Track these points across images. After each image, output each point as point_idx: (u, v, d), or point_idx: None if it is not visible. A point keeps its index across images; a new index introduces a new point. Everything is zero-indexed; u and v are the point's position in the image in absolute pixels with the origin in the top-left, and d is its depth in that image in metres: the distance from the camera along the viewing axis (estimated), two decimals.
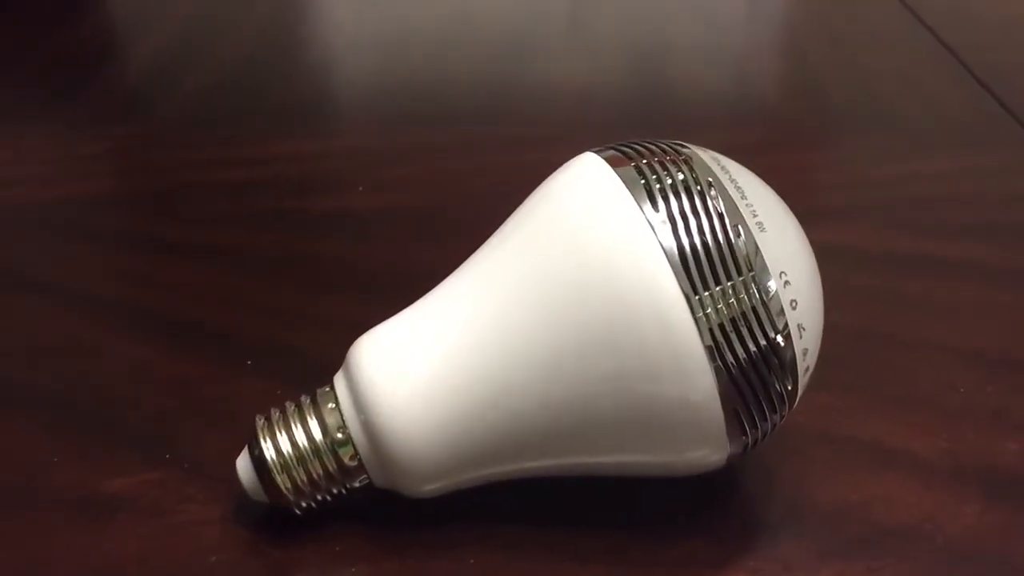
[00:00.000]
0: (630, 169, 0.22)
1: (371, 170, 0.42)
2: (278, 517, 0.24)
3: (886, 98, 0.50)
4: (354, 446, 0.23)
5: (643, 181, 0.22)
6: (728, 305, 0.21)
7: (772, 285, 0.22)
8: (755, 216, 0.22)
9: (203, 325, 0.32)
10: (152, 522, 0.24)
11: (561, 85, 0.51)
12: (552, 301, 0.22)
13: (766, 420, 0.22)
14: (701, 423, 0.22)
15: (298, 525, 0.24)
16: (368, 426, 0.23)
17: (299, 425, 0.23)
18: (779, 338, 0.22)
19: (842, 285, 0.34)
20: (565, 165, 0.24)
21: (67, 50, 0.53)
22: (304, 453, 0.23)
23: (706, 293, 0.21)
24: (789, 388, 0.22)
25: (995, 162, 0.44)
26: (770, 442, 0.24)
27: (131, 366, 0.30)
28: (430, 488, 0.23)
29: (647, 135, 0.45)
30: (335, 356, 0.24)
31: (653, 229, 0.21)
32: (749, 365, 0.21)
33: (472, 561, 0.24)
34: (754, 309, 0.21)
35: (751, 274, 0.21)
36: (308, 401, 0.24)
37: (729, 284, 0.21)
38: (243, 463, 0.24)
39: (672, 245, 0.21)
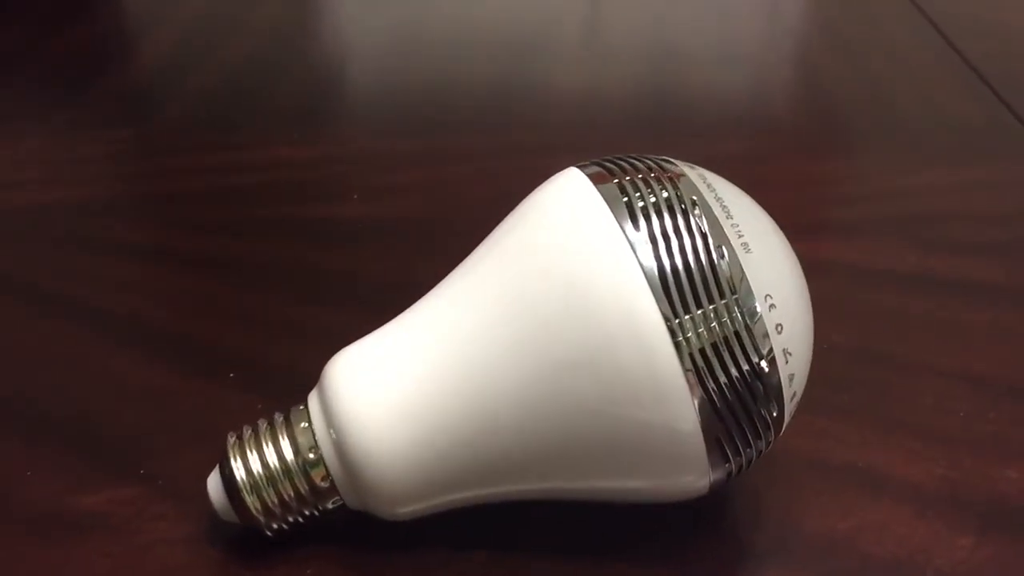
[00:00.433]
0: (612, 186, 0.22)
1: (369, 177, 0.41)
2: (250, 538, 0.23)
3: (898, 108, 0.49)
4: (326, 467, 0.23)
5: (625, 199, 0.21)
6: (710, 329, 0.20)
7: (756, 308, 0.21)
8: (740, 237, 0.21)
9: (188, 336, 0.31)
10: (122, 541, 0.24)
11: (568, 91, 0.50)
12: (528, 322, 0.21)
13: (750, 447, 0.22)
14: (681, 450, 0.21)
15: (270, 547, 0.23)
16: (340, 446, 0.22)
17: (270, 444, 0.23)
18: (763, 363, 0.21)
19: (842, 302, 0.34)
20: (548, 180, 0.23)
21: (70, 51, 0.53)
22: (275, 473, 0.23)
23: (687, 316, 0.20)
24: (775, 415, 0.22)
25: (1008, 176, 0.43)
26: (759, 467, 0.23)
27: (112, 377, 0.29)
28: (405, 511, 0.23)
29: (653, 143, 0.45)
30: (320, 371, 0.24)
31: (633, 249, 0.21)
32: (731, 391, 0.21)
33: None
34: (737, 333, 0.21)
35: (734, 297, 0.21)
36: (281, 419, 0.23)
37: (711, 307, 0.20)
38: (214, 482, 0.23)
39: (652, 266, 0.20)
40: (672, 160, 0.23)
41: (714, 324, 0.20)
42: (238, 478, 0.23)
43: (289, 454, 0.23)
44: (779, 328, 0.21)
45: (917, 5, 0.62)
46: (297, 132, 0.45)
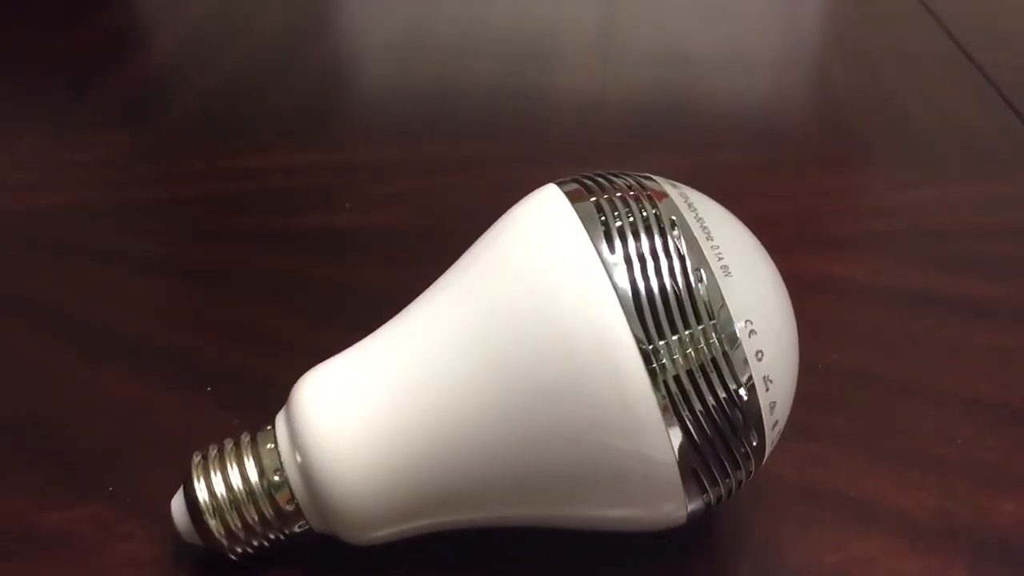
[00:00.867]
0: (589, 205, 0.21)
1: (363, 186, 0.40)
2: (217, 561, 0.23)
3: (910, 119, 0.48)
4: (291, 490, 0.22)
5: (602, 218, 0.21)
6: (686, 355, 0.20)
7: (736, 334, 0.20)
8: (720, 259, 0.20)
9: (167, 347, 0.31)
10: (86, 561, 0.23)
11: (573, 98, 0.50)
12: (499, 344, 0.20)
13: (729, 477, 0.21)
14: (656, 480, 0.20)
15: (237, 570, 0.23)
16: (305, 469, 0.22)
17: (235, 465, 0.22)
18: (742, 391, 0.20)
19: (843, 320, 0.33)
20: (526, 197, 0.23)
21: (71, 51, 0.53)
22: (239, 496, 0.22)
23: (662, 342, 0.19)
24: (755, 444, 0.21)
25: (1020, 190, 0.41)
26: (744, 492, 0.22)
27: (86, 389, 0.29)
28: (372, 536, 0.22)
29: (655, 153, 0.45)
30: None
31: (607, 270, 0.20)
32: (708, 420, 0.20)
33: None
34: (714, 360, 0.20)
35: (712, 322, 0.20)
36: (248, 439, 0.23)
37: (687, 333, 0.20)
38: (178, 503, 0.23)
39: (627, 288, 0.20)
40: (653, 177, 0.22)
41: (690, 350, 0.20)
42: (201, 500, 0.22)
43: (254, 476, 0.22)
44: (759, 355, 0.20)
45: (933, 13, 0.60)
46: (295, 138, 0.44)
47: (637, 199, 0.21)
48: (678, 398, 0.20)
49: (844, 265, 0.35)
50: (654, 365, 0.19)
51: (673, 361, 0.20)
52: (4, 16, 0.57)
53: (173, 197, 0.39)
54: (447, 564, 0.23)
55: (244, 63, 0.52)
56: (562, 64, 0.54)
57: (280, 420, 0.23)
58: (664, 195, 0.21)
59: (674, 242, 0.20)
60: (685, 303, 0.20)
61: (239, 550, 0.22)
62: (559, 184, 0.22)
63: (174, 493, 0.23)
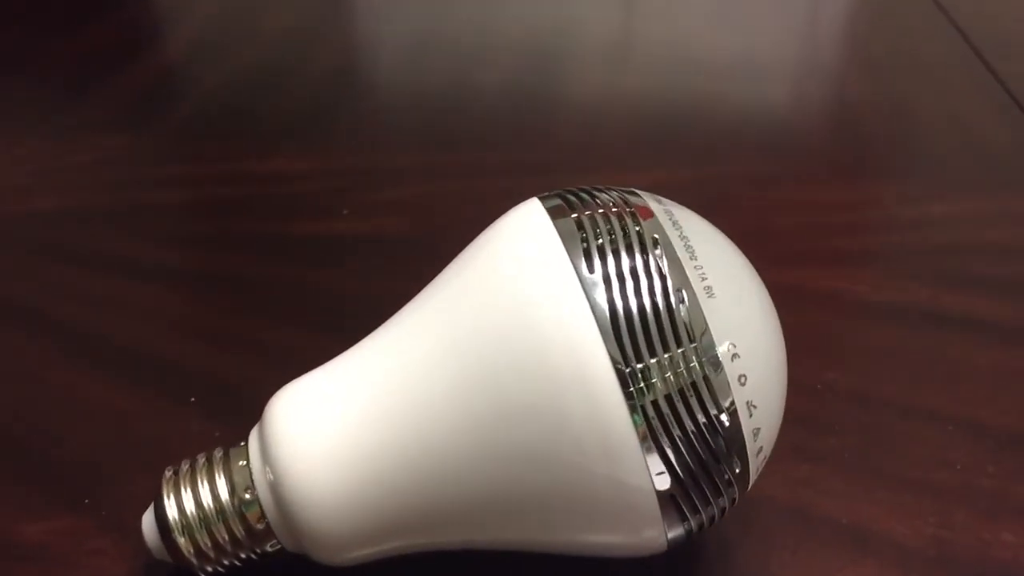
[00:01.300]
0: (570, 221, 0.20)
1: (362, 192, 0.40)
2: None
3: (923, 130, 0.47)
4: (262, 508, 0.21)
5: (582, 235, 0.20)
6: (665, 379, 0.19)
7: (718, 358, 0.19)
8: (704, 279, 0.20)
9: (155, 355, 0.30)
10: (58, 575, 0.23)
11: (582, 105, 0.49)
12: (473, 363, 0.20)
13: (710, 505, 0.20)
14: (633, 506, 0.20)
15: None
16: (276, 488, 0.21)
17: (205, 482, 0.22)
18: (724, 417, 0.19)
19: (842, 338, 0.32)
20: (508, 212, 0.22)
21: (75, 53, 0.52)
22: (209, 514, 0.21)
23: (640, 365, 0.19)
24: (738, 471, 0.20)
25: None
26: (734, 515, 0.22)
27: (69, 397, 0.29)
28: (344, 557, 0.22)
29: (660, 163, 0.44)
30: None
31: (585, 290, 0.19)
32: (687, 446, 0.19)
33: None
34: (694, 384, 0.19)
35: (693, 345, 0.19)
36: (220, 455, 0.22)
37: (667, 356, 0.19)
38: (148, 520, 0.22)
39: (605, 309, 0.19)
40: (639, 192, 0.22)
41: (669, 374, 0.19)
42: (170, 517, 0.22)
43: (224, 494, 0.22)
44: (743, 379, 0.20)
45: (953, 22, 0.59)
46: (297, 143, 0.44)
47: (620, 216, 0.20)
48: (655, 423, 0.19)
49: (849, 280, 0.35)
50: (631, 388, 0.19)
51: (651, 384, 0.19)
52: (7, 16, 0.57)
53: (170, 201, 0.39)
54: None
55: (250, 66, 0.52)
56: (572, 70, 0.53)
57: (253, 436, 0.22)
58: (648, 212, 0.21)
59: (656, 261, 0.20)
60: (665, 325, 0.19)
61: (209, 569, 0.22)
62: (542, 199, 0.22)
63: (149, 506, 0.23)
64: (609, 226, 0.20)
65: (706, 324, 0.19)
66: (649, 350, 0.19)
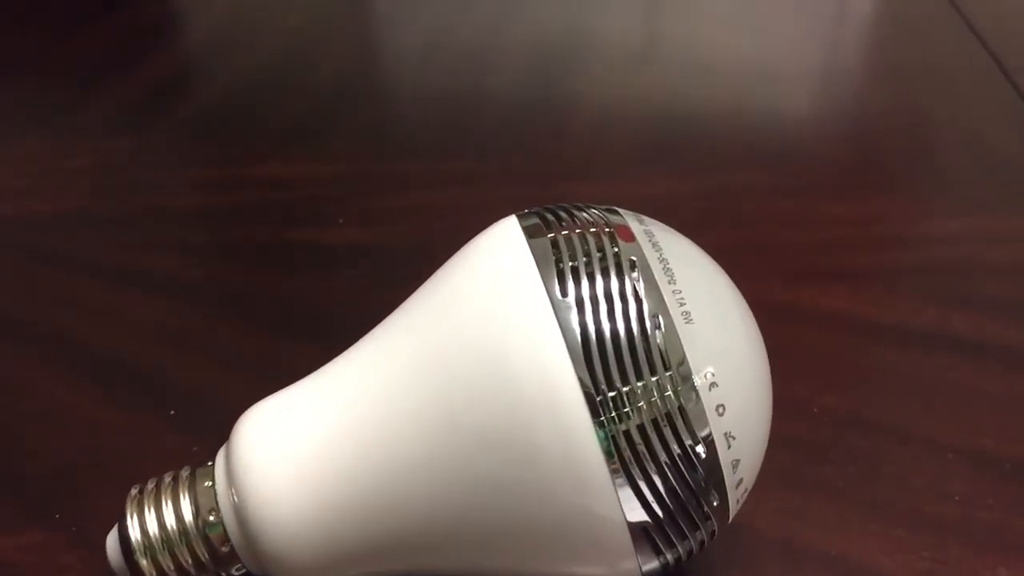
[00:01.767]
0: (545, 241, 0.20)
1: (359, 200, 0.39)
2: None
3: (940, 143, 0.46)
4: (226, 531, 0.21)
5: (556, 256, 0.19)
6: (637, 408, 0.18)
7: (694, 387, 0.18)
8: (682, 305, 0.19)
9: (137, 365, 0.30)
10: None
11: (588, 114, 0.48)
12: (440, 388, 0.19)
13: (687, 539, 0.19)
14: (604, 538, 0.19)
15: None
16: (240, 510, 0.20)
17: (170, 503, 0.21)
18: (699, 448, 0.19)
19: (842, 359, 0.31)
20: (485, 231, 0.22)
21: (79, 56, 0.52)
22: (172, 536, 0.21)
23: (611, 393, 0.18)
24: (716, 504, 0.19)
25: None
26: (718, 546, 0.21)
27: (49, 406, 0.28)
28: None
29: (667, 173, 0.43)
30: None
31: (556, 314, 0.19)
32: (661, 478, 0.18)
33: None
34: (668, 415, 0.18)
35: (668, 374, 0.18)
36: (187, 474, 0.22)
37: (640, 384, 0.18)
38: (112, 540, 0.22)
39: (576, 334, 0.18)
40: (619, 211, 0.21)
41: (642, 403, 0.18)
42: (133, 539, 0.21)
43: (188, 515, 0.21)
44: (721, 409, 0.19)
45: (977, 34, 0.58)
46: (296, 149, 0.43)
47: (597, 236, 0.20)
48: (627, 453, 0.18)
49: (852, 299, 0.34)
50: (602, 417, 0.18)
51: (623, 413, 0.18)
52: (12, 16, 0.57)
53: (166, 207, 0.39)
54: None
55: (255, 69, 0.52)
56: (583, 77, 0.52)
57: (220, 457, 0.21)
58: (628, 232, 0.20)
59: (632, 284, 0.19)
60: (639, 351, 0.18)
61: None
62: (520, 216, 0.21)
63: None
64: (586, 247, 0.19)
65: (683, 352, 0.19)
66: (622, 377, 0.18)
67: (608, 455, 0.18)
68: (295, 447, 0.20)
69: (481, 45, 0.56)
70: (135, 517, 0.21)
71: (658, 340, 0.18)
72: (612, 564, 0.19)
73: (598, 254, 0.19)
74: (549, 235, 0.20)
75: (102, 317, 0.32)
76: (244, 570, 0.21)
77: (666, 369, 0.18)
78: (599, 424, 0.18)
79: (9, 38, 0.54)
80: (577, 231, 0.20)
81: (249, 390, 0.23)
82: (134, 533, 0.21)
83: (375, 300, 0.33)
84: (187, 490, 0.21)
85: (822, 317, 0.33)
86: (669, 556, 0.20)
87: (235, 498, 0.20)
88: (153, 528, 0.21)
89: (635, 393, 0.18)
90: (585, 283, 0.19)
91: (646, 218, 0.21)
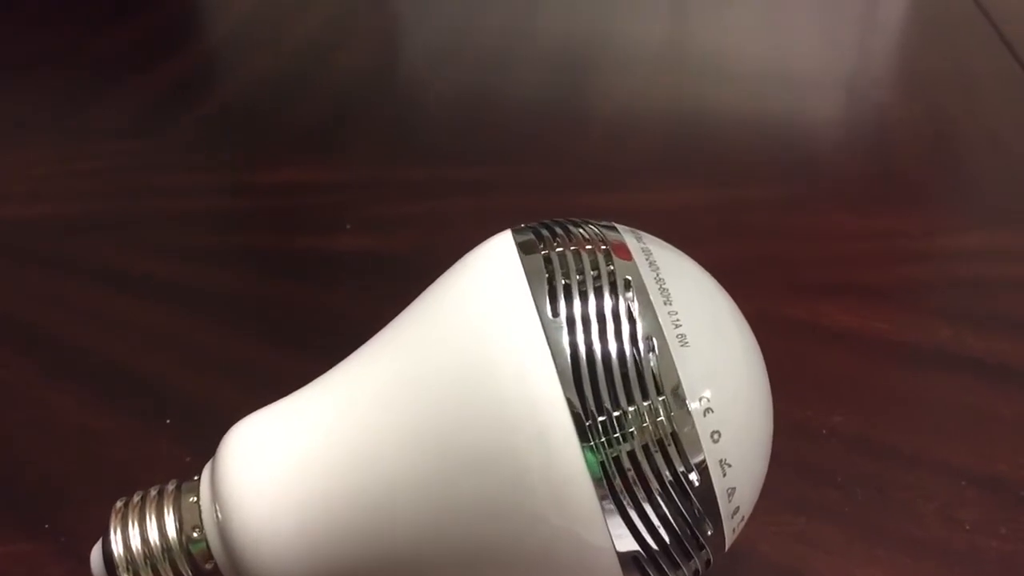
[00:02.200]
0: (538, 258, 0.19)
1: (367, 206, 0.39)
2: None
3: (964, 156, 0.45)
4: (209, 549, 0.20)
5: (548, 274, 0.19)
6: (628, 434, 0.18)
7: (688, 412, 0.18)
8: (678, 327, 0.18)
9: (134, 373, 0.30)
10: None
11: (603, 122, 0.47)
12: (427, 407, 0.19)
13: (679, 568, 0.19)
14: (592, 568, 0.18)
15: None
16: (224, 528, 0.20)
17: (154, 518, 0.21)
18: (692, 476, 0.18)
19: (853, 378, 0.30)
20: (479, 246, 0.21)
21: (94, 57, 0.52)
22: (155, 551, 0.20)
23: (601, 417, 0.17)
24: (710, 533, 0.19)
25: None
26: (718, 572, 0.20)
27: (44, 413, 0.28)
28: None
29: (679, 184, 0.42)
30: None
31: (546, 333, 0.18)
32: (652, 506, 0.18)
33: None
34: (660, 441, 0.18)
35: (661, 398, 0.18)
36: (172, 489, 0.21)
37: (632, 408, 0.18)
38: (96, 554, 0.21)
39: (566, 355, 0.18)
40: (617, 227, 0.20)
41: (633, 429, 0.18)
42: (116, 553, 0.21)
43: (172, 531, 0.21)
44: (716, 436, 0.18)
45: (1005, 41, 0.57)
46: (306, 154, 0.43)
47: (592, 253, 0.19)
48: (616, 480, 0.17)
49: (866, 316, 0.33)
50: (592, 442, 0.17)
51: (614, 439, 0.18)
52: (39, 14, 0.57)
53: (171, 211, 0.38)
54: None
55: (270, 74, 0.51)
56: (601, 83, 0.52)
57: (206, 472, 0.21)
58: (624, 249, 0.19)
59: (627, 304, 0.18)
60: (631, 374, 0.18)
61: None
62: (516, 231, 0.20)
63: None
64: (579, 264, 0.19)
65: (677, 376, 0.18)
66: (612, 401, 0.18)
67: (597, 481, 0.17)
68: (281, 465, 0.20)
69: (500, 50, 0.56)
70: (119, 531, 0.21)
71: (651, 363, 0.18)
72: None
73: (592, 272, 0.19)
74: (543, 251, 0.19)
75: (101, 322, 0.32)
76: None
77: (659, 393, 0.18)
78: (588, 449, 0.17)
79: (34, 35, 0.54)
80: (572, 248, 0.19)
81: (247, 401, 0.22)
82: (117, 548, 0.21)
83: (378, 311, 0.33)
84: (172, 505, 0.21)
85: (834, 334, 0.32)
86: None
87: (219, 515, 0.20)
88: (136, 543, 0.21)
89: (626, 418, 0.18)
90: (577, 302, 0.18)
91: (645, 235, 0.21)
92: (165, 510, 0.21)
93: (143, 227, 0.37)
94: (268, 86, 0.50)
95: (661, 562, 0.18)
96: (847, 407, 0.29)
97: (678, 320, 0.18)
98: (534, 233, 0.20)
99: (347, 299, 0.33)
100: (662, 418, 0.18)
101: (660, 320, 0.18)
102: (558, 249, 0.19)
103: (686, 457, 0.18)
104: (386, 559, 0.20)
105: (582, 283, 0.19)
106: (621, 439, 0.18)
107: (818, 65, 0.56)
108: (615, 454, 0.18)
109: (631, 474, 0.18)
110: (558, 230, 0.20)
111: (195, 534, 0.20)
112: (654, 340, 0.18)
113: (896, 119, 0.49)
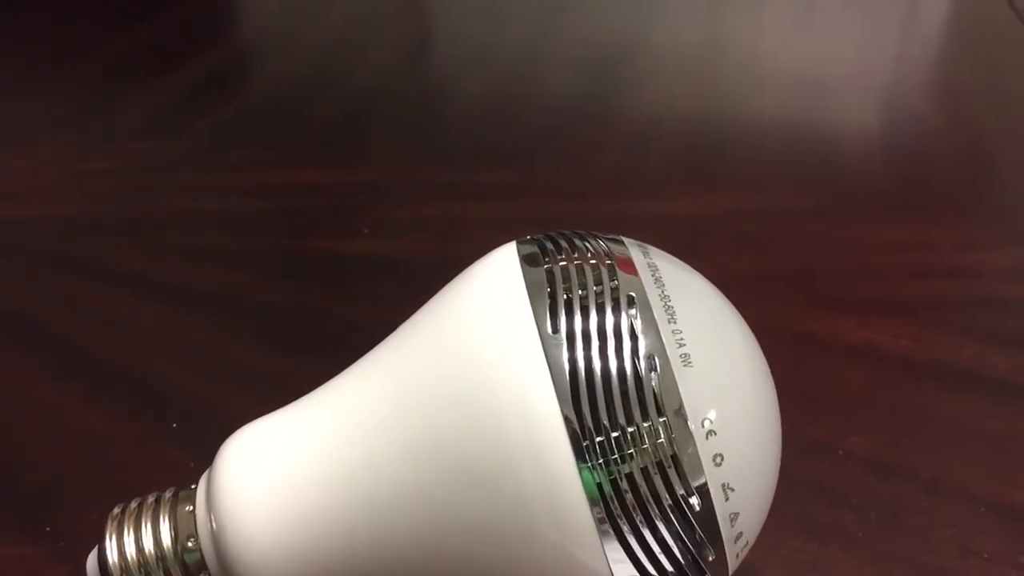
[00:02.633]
0: (540, 271, 0.19)
1: (385, 209, 0.39)
2: None
3: (996, 170, 0.44)
4: (203, 559, 0.20)
5: (549, 289, 0.18)
6: (626, 456, 0.17)
7: (690, 434, 0.17)
8: (681, 346, 0.18)
9: (141, 374, 0.29)
10: None
11: (627, 127, 0.47)
12: (424, 421, 0.18)
13: None
14: None
15: None
16: (218, 539, 0.20)
17: (149, 526, 0.21)
18: (693, 500, 0.17)
19: (872, 397, 0.29)
20: (484, 257, 0.21)
21: (117, 57, 0.52)
22: (149, 560, 0.20)
23: (599, 438, 0.17)
24: (711, 559, 0.18)
25: None
26: None
27: (48, 414, 0.28)
28: None
29: (703, 190, 0.41)
30: None
31: (544, 349, 0.17)
32: (651, 530, 0.17)
33: None
34: (660, 463, 0.17)
35: (662, 419, 0.17)
36: (170, 496, 0.21)
37: (631, 429, 0.17)
38: (92, 561, 0.21)
39: (564, 371, 0.17)
40: (624, 241, 0.20)
41: (633, 450, 0.17)
42: (110, 560, 0.20)
43: (167, 539, 0.20)
44: (718, 459, 0.18)
45: None
46: (324, 156, 0.43)
47: (596, 268, 0.19)
48: (614, 502, 0.17)
49: (888, 332, 0.32)
50: (589, 463, 0.17)
51: (612, 460, 0.17)
52: (46, 16, 0.57)
53: (185, 212, 0.38)
54: None
55: (293, 74, 0.51)
56: (630, 88, 0.51)
57: (203, 481, 0.21)
58: (629, 264, 0.19)
59: (629, 321, 0.18)
60: (631, 394, 0.17)
61: None
62: (520, 243, 0.20)
63: None
64: (582, 279, 0.18)
65: (679, 396, 0.17)
66: (612, 421, 0.17)
67: (594, 503, 0.17)
68: (276, 477, 0.20)
69: (529, 52, 0.55)
70: (114, 538, 0.21)
71: (653, 383, 0.17)
72: None
73: (595, 287, 0.18)
74: (546, 265, 0.19)
75: (110, 323, 0.32)
76: None
77: (660, 414, 0.17)
78: (586, 469, 0.17)
79: (57, 34, 0.55)
80: (576, 262, 0.19)
81: (254, 406, 0.22)
82: (112, 555, 0.20)
83: (390, 318, 0.32)
84: (168, 513, 0.21)
85: (854, 350, 0.31)
86: None
87: (213, 525, 0.20)
88: (131, 551, 0.20)
89: (625, 438, 0.17)
90: (578, 318, 0.18)
91: (653, 249, 0.20)
92: (161, 518, 0.21)
93: (157, 228, 0.37)
94: (290, 87, 0.50)
95: None
96: (865, 427, 0.28)
97: (682, 339, 0.18)
98: (539, 245, 0.20)
99: (359, 305, 0.33)
100: (662, 440, 0.17)
101: (663, 338, 0.18)
102: (562, 263, 0.19)
103: (687, 480, 0.17)
104: (379, 571, 0.19)
105: (584, 298, 0.18)
106: (620, 460, 0.17)
107: (852, 72, 0.55)
108: (613, 475, 0.17)
109: (629, 497, 0.17)
110: (563, 243, 0.19)
111: (190, 543, 0.20)
112: (656, 359, 0.17)
113: (929, 129, 0.48)
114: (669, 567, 0.18)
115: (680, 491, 0.17)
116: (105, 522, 0.21)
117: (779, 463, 0.20)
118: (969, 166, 0.44)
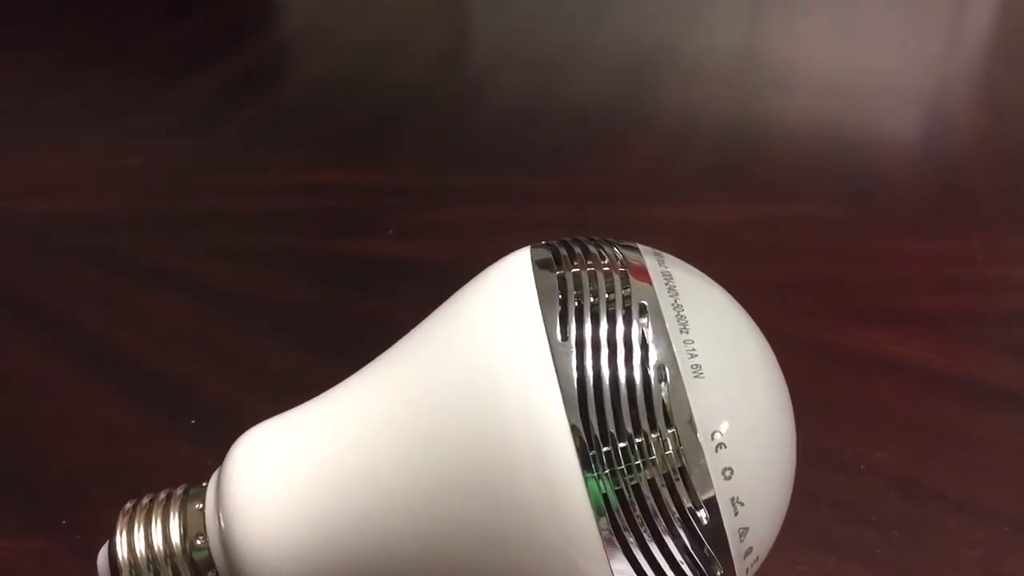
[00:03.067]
0: (552, 277, 0.18)
1: (410, 212, 0.38)
2: None
3: None
4: (211, 557, 0.20)
5: (561, 296, 0.18)
6: (633, 467, 0.17)
7: (699, 447, 0.17)
8: (693, 356, 0.17)
9: (162, 371, 0.30)
10: None
11: (657, 132, 0.46)
12: (431, 425, 0.18)
13: None
14: None
15: None
16: (226, 538, 0.20)
17: (159, 523, 0.21)
18: (701, 513, 0.17)
19: (899, 412, 0.29)
20: (498, 261, 0.20)
21: (154, 54, 0.53)
22: (158, 556, 0.20)
23: (606, 448, 0.17)
24: (720, 574, 0.18)
25: None
26: None
27: (68, 408, 0.28)
28: None
29: (731, 198, 0.41)
30: None
31: (553, 357, 0.17)
32: (657, 544, 0.17)
33: None
34: (668, 475, 0.17)
35: (671, 431, 0.17)
36: (180, 493, 0.21)
37: (639, 440, 0.17)
38: (103, 556, 0.21)
39: (573, 380, 0.17)
40: (639, 248, 0.20)
41: (640, 462, 0.17)
42: (120, 556, 0.20)
43: (176, 537, 0.20)
44: (728, 472, 0.17)
45: None
46: (353, 156, 0.43)
47: (609, 275, 0.18)
48: (620, 514, 0.17)
49: (917, 346, 0.31)
50: (596, 473, 0.17)
51: (619, 471, 0.17)
52: (87, 14, 0.58)
53: (212, 211, 0.39)
54: None
55: (326, 74, 0.51)
56: (664, 93, 0.51)
57: (214, 479, 0.21)
58: (643, 272, 0.19)
59: (640, 330, 0.18)
60: (640, 404, 0.17)
61: None
62: (534, 248, 0.20)
63: None
64: (594, 286, 0.18)
65: (689, 408, 0.17)
66: (619, 431, 0.17)
67: (599, 513, 0.17)
68: (285, 477, 0.20)
69: (565, 55, 0.55)
70: (124, 535, 0.21)
71: (662, 393, 0.17)
72: None
73: (607, 295, 0.18)
74: (558, 271, 0.19)
75: (131, 319, 0.32)
76: None
77: (668, 425, 0.17)
78: (592, 479, 0.17)
79: (94, 31, 0.55)
80: (589, 268, 0.19)
81: (272, 406, 0.22)
82: (121, 551, 0.21)
83: (412, 319, 0.32)
84: (178, 511, 0.21)
85: (882, 363, 0.31)
86: None
87: (222, 524, 0.20)
88: (140, 547, 0.20)
89: (633, 449, 0.17)
90: (589, 326, 0.18)
91: (668, 257, 0.20)
92: (171, 515, 0.21)
93: (181, 226, 0.37)
94: (325, 86, 0.50)
95: None
96: (892, 443, 0.27)
97: (694, 350, 0.18)
98: (552, 251, 0.19)
99: (382, 306, 0.33)
100: (671, 451, 0.17)
101: (674, 348, 0.17)
102: (574, 269, 0.19)
103: (695, 493, 0.17)
104: (385, 574, 0.19)
105: (595, 305, 0.18)
106: (627, 471, 0.17)
107: (892, 79, 0.54)
108: (619, 486, 0.17)
109: (636, 509, 0.17)
110: (577, 249, 0.19)
111: (199, 542, 0.20)
112: (666, 369, 0.17)
113: (967, 139, 0.47)
114: None
115: (688, 504, 0.17)
116: (117, 518, 0.21)
117: (792, 477, 0.19)
118: (1008, 177, 0.43)
